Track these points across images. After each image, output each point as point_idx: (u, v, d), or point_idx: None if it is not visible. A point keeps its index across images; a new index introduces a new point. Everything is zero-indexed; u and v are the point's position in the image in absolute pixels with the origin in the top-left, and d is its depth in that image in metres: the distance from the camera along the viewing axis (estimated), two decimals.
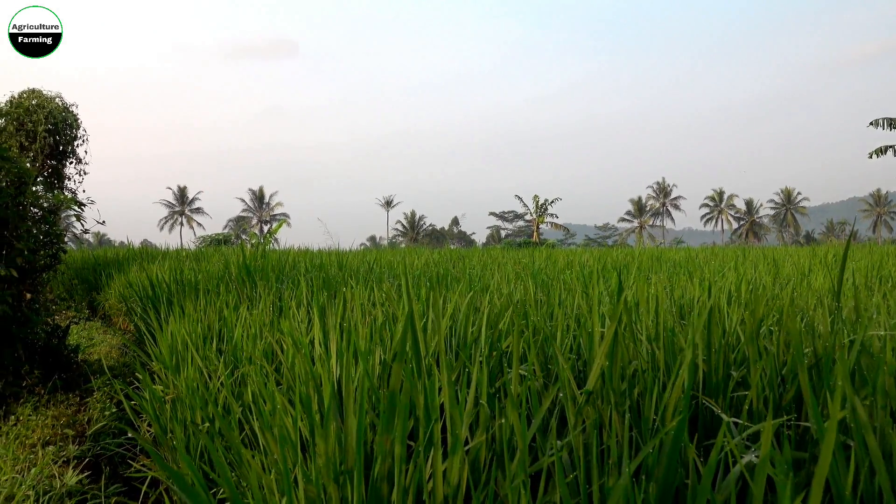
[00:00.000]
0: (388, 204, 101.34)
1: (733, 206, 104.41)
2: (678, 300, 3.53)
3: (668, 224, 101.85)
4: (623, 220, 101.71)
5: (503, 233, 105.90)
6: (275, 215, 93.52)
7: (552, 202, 61.06)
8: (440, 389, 1.89)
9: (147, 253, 12.53)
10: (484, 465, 1.63)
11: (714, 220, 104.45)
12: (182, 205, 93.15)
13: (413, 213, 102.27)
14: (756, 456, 1.39)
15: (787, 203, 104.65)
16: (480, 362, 2.16)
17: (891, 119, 29.85)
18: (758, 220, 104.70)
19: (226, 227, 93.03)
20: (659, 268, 7.01)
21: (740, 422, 1.71)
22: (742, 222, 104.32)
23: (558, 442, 1.59)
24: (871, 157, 30.47)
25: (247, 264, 5.40)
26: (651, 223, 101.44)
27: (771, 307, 3.28)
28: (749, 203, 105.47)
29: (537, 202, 61.43)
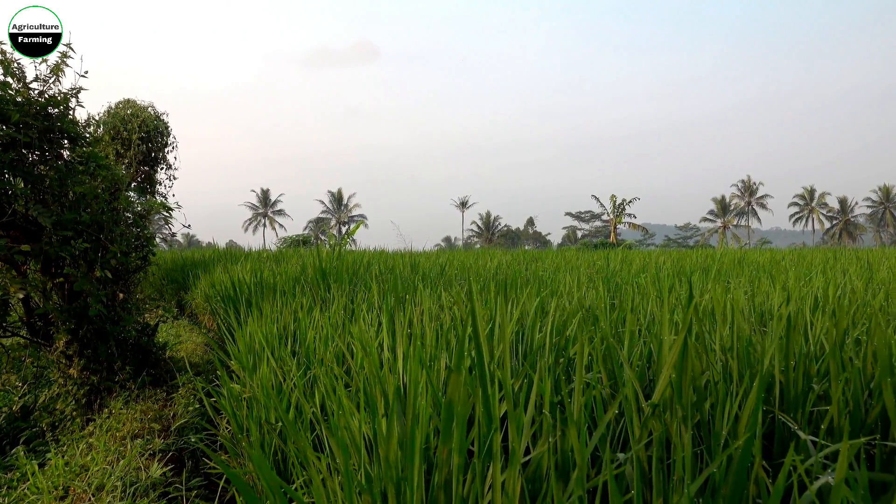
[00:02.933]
0: (464, 205, 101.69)
1: (825, 204, 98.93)
2: (759, 307, 3.39)
3: (753, 224, 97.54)
4: (705, 219, 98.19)
5: (579, 233, 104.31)
6: (353, 216, 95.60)
7: (630, 202, 59.66)
8: (503, 398, 1.88)
9: (231, 254, 13.05)
10: (546, 475, 1.61)
11: (804, 220, 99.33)
12: (265, 207, 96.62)
13: (488, 214, 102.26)
14: (832, 478, 1.32)
15: (886, 201, 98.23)
16: (546, 370, 2.13)
17: None
18: (852, 220, 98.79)
19: (306, 228, 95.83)
20: (741, 271, 6.73)
21: (818, 440, 1.62)
22: (835, 222, 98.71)
23: (621, 455, 1.55)
24: None
25: (322, 267, 5.54)
26: (735, 223, 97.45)
27: (861, 315, 3.10)
28: (843, 201, 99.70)
29: (614, 202, 60.14)
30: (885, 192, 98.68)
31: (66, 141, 5.25)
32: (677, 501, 1.24)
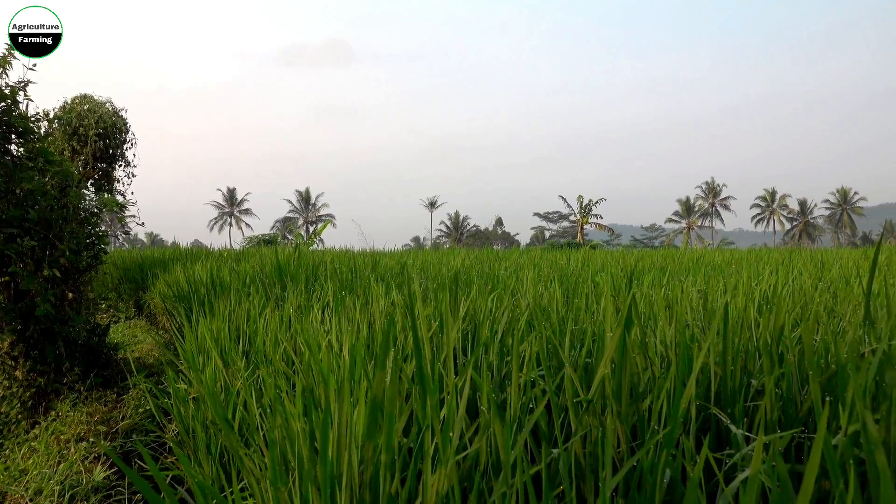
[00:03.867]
0: (433, 205, 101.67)
1: (786, 206, 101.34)
2: (709, 305, 3.43)
3: (717, 225, 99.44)
4: (670, 220, 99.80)
5: (547, 234, 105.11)
6: (321, 216, 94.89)
7: (596, 203, 60.33)
8: (446, 395, 1.87)
9: (192, 253, 12.84)
10: (485, 472, 1.61)
11: (765, 221, 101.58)
12: (231, 206, 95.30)
13: (457, 214, 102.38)
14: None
15: (844, 203, 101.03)
16: (489, 367, 2.13)
17: None
18: (811, 221, 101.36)
19: (273, 227, 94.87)
20: (697, 271, 6.84)
21: (749, 434, 1.64)
22: (795, 223, 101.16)
23: (555, 450, 1.55)
24: None
25: (280, 266, 5.47)
26: (699, 224, 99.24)
27: (806, 312, 3.17)
28: (802, 203, 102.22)
29: (581, 202, 60.76)
30: (843, 194, 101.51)
31: (13, 136, 5.09)
32: (606, 494, 1.25)
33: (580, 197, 60.87)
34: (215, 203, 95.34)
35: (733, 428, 1.67)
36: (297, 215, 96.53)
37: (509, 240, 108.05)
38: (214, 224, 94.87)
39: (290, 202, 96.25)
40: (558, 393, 2.16)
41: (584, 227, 60.61)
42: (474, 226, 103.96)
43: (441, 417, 1.61)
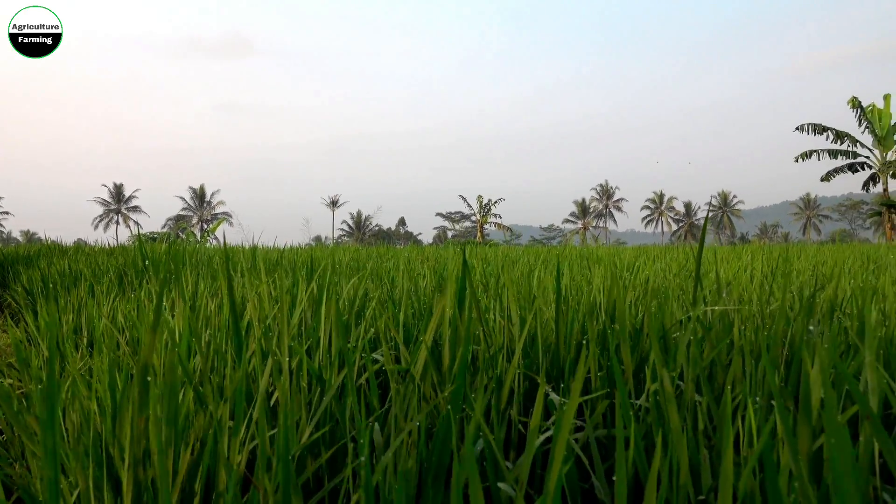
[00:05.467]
0: (334, 204, 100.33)
1: (673, 208, 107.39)
2: (565, 288, 3.50)
3: (610, 226, 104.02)
4: (567, 221, 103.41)
5: (450, 233, 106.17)
6: (216, 214, 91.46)
7: (496, 202, 61.55)
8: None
9: (60, 249, 11.98)
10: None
11: (655, 222, 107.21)
12: (118, 203, 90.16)
13: (359, 214, 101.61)
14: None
15: (724, 206, 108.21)
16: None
17: (815, 124, 31.17)
18: (696, 223, 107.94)
19: (164, 225, 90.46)
20: (580, 263, 7.04)
21: (564, 400, 1.65)
22: (681, 224, 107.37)
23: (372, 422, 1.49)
24: (796, 160, 31.73)
25: (145, 257, 5.17)
26: (594, 224, 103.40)
27: (653, 293, 3.28)
28: (688, 205, 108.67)
29: (481, 202, 61.81)
30: (724, 197, 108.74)
31: None
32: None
33: (480, 197, 61.93)
34: (101, 200, 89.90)
35: (552, 395, 1.68)
36: (191, 213, 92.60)
37: (412, 239, 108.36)
38: (100, 221, 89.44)
39: (183, 199, 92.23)
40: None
41: (484, 226, 61.69)
42: (377, 225, 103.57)
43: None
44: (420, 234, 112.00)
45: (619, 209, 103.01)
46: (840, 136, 31.59)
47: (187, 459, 1.19)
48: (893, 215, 30.52)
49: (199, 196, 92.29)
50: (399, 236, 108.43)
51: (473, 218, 73.13)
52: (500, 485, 1.20)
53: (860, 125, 31.75)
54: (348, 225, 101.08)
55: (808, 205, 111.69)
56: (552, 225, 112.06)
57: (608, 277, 3.26)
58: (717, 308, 1.93)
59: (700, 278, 2.21)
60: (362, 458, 0.97)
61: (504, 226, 64.05)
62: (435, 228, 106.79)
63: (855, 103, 31.28)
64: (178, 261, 5.12)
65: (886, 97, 31.30)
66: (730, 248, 11.56)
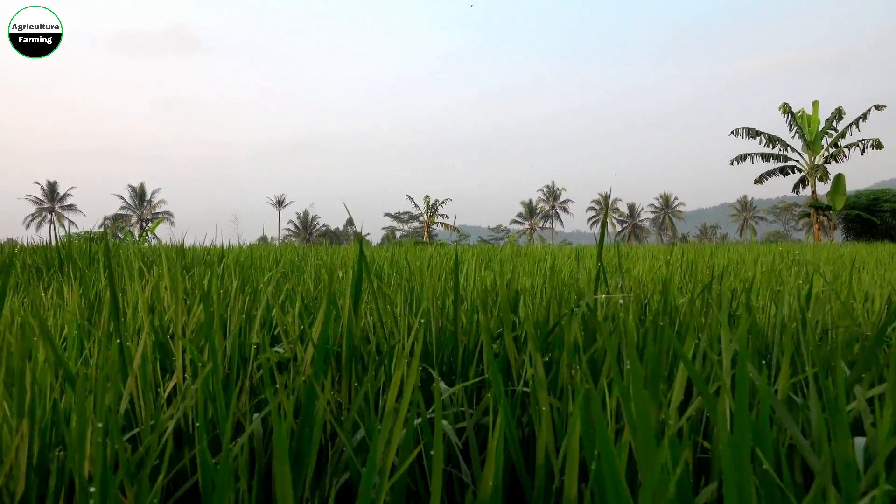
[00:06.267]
0: (280, 203, 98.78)
1: (617, 209, 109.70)
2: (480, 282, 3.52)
3: (557, 227, 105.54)
4: (515, 221, 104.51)
5: (398, 234, 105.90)
6: (157, 213, 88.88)
7: (442, 203, 61.71)
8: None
9: None
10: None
11: (600, 223, 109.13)
12: (52, 201, 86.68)
13: (306, 213, 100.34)
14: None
15: (666, 207, 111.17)
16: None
17: (749, 129, 32.34)
18: (639, 223, 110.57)
19: (101, 224, 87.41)
20: (512, 261, 7.10)
21: (452, 389, 1.65)
22: (625, 225, 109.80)
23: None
24: (732, 163, 32.89)
25: (61, 254, 4.97)
26: (541, 225, 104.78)
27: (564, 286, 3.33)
28: (631, 207, 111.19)
29: (428, 203, 61.87)
30: (665, 199, 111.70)
31: None
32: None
33: (427, 197, 62.01)
34: (33, 198, 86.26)
35: (441, 385, 1.68)
36: (130, 212, 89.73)
37: (360, 240, 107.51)
38: (32, 220, 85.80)
39: (121, 198, 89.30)
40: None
41: (432, 227, 61.77)
42: (324, 225, 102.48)
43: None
44: (368, 234, 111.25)
45: (565, 210, 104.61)
46: (772, 140, 32.85)
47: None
48: (822, 217, 31.90)
49: (139, 194, 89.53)
50: (347, 237, 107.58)
51: (422, 218, 73.19)
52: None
53: (791, 130, 33.11)
54: (294, 225, 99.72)
55: (745, 207, 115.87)
56: (500, 226, 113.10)
57: (501, 275, 3.31)
58: (604, 297, 1.97)
59: (603, 272, 2.25)
60: (200, 447, 0.95)
61: (451, 226, 64.27)
62: (384, 229, 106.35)
63: (786, 109, 32.59)
64: (93, 258, 4.95)
65: (815, 104, 32.71)
66: (666, 248, 11.88)
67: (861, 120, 31.57)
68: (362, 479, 0.82)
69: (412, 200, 64.16)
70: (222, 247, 5.79)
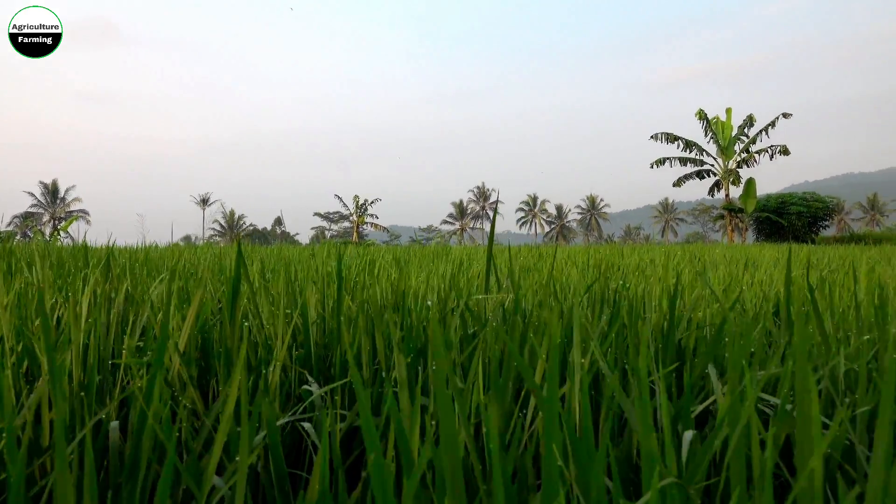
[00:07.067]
0: (205, 202, 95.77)
1: (545, 210, 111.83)
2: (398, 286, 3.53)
3: (487, 227, 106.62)
4: (446, 222, 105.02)
5: (328, 233, 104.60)
6: (71, 211, 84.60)
7: (372, 202, 61.38)
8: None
9: None
10: None
11: (529, 224, 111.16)
12: None
13: (232, 213, 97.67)
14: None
15: (592, 209, 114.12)
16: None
17: (667, 134, 33.64)
18: (567, 224, 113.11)
19: (10, 223, 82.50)
20: (430, 261, 7.14)
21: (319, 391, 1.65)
22: (553, 226, 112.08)
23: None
24: (652, 167, 34.13)
25: None
26: (472, 226, 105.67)
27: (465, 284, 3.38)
28: (559, 208, 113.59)
29: (357, 202, 61.40)
30: (591, 200, 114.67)
31: None
32: None
33: (356, 197, 61.53)
34: None
35: (314, 386, 1.67)
36: (41, 211, 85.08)
37: (290, 239, 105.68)
38: None
39: (32, 196, 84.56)
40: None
41: (361, 226, 61.32)
42: (251, 225, 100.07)
43: None
44: (297, 234, 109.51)
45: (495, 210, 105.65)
46: (689, 145, 34.26)
47: None
48: (735, 219, 33.49)
49: (52, 192, 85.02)
50: (275, 236, 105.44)
51: (352, 218, 72.50)
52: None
53: (706, 136, 34.62)
54: (220, 224, 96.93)
55: (667, 209, 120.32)
56: (431, 226, 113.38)
57: (396, 273, 3.32)
58: (481, 297, 2.00)
59: (494, 270, 2.29)
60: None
61: (381, 226, 64.00)
62: (313, 228, 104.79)
63: (701, 115, 34.06)
64: None
65: (728, 111, 34.33)
66: (584, 248, 12.21)
67: (770, 127, 33.32)
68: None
69: (341, 200, 63.51)
70: (110, 247, 5.59)
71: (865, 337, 1.33)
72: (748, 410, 0.80)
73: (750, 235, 33.18)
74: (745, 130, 34.12)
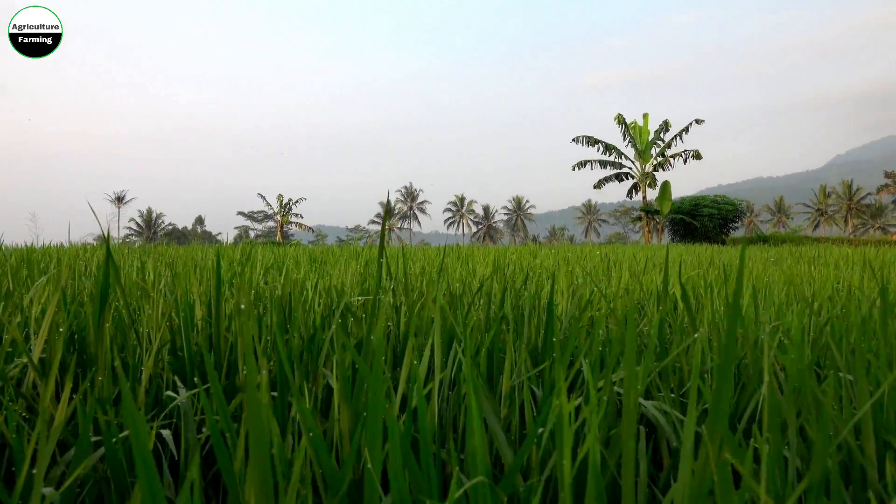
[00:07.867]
0: (120, 200, 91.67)
1: (473, 211, 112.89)
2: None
3: (415, 227, 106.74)
4: (373, 222, 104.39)
5: (252, 233, 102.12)
6: None
7: (296, 202, 60.39)
8: None
9: None
10: None
11: (456, 224, 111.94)
12: None
13: (149, 211, 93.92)
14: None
15: (518, 210, 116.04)
16: None
17: (588, 137, 34.65)
18: (494, 225, 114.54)
19: None
20: (345, 262, 7.10)
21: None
22: (480, 226, 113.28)
23: None
24: (573, 169, 35.08)
25: None
26: (400, 226, 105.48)
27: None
28: (486, 209, 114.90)
29: (281, 202, 60.28)
30: (518, 201, 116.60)
31: None
32: None
33: (280, 196, 60.37)
34: None
35: (182, 391, 1.64)
36: None
37: (212, 239, 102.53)
38: None
39: None
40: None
41: (286, 226, 60.23)
42: (170, 224, 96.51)
43: None
44: (220, 233, 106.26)
45: (422, 211, 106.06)
46: (609, 148, 35.38)
47: None
48: (652, 220, 34.80)
49: None
50: (196, 236, 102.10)
51: (277, 217, 71.08)
52: None
53: (624, 139, 35.84)
54: (137, 224, 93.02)
55: (590, 210, 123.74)
56: (358, 226, 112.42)
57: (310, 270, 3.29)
58: (362, 298, 2.02)
59: (389, 270, 2.31)
60: None
61: (307, 226, 63.03)
62: (236, 228, 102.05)
63: (620, 120, 35.22)
64: None
65: (645, 116, 35.63)
66: (503, 248, 12.41)
67: (684, 132, 34.81)
68: None
69: (264, 199, 62.16)
70: None
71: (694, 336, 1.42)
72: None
73: (666, 236, 34.52)
74: (661, 135, 35.50)
